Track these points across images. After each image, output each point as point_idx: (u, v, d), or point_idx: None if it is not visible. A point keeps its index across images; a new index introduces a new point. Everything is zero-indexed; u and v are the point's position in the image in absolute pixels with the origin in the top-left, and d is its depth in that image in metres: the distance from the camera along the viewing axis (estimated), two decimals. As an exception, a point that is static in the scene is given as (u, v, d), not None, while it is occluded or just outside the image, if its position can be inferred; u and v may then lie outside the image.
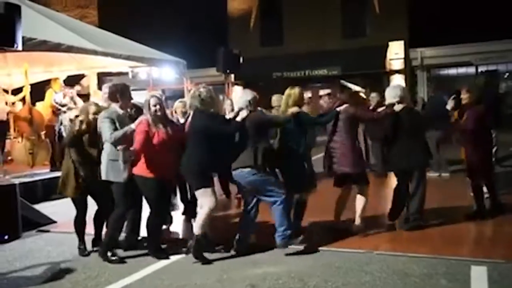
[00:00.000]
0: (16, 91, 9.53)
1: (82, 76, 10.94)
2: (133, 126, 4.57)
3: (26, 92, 8.70)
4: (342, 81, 18.29)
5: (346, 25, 18.41)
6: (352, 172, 5.22)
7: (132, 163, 4.58)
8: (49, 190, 7.48)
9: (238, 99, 5.03)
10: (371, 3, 17.59)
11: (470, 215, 5.73)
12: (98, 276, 4.46)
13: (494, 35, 15.45)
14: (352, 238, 5.23)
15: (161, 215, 4.90)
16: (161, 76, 10.76)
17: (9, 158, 9.32)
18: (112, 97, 4.75)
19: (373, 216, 5.86)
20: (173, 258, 4.82)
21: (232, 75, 13.25)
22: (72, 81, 10.62)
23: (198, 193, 4.64)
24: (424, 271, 4.24)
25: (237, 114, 4.70)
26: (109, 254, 4.77)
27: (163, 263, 4.70)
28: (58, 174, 5.63)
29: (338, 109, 5.19)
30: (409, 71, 18.00)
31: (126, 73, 10.99)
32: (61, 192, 4.98)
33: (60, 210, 6.41)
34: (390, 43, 17.59)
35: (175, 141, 4.72)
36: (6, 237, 5.64)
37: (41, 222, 6.27)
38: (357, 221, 5.36)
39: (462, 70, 18.20)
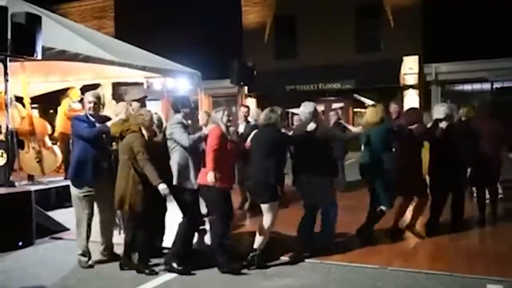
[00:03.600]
0: (33, 99, 9.63)
1: (97, 86, 11.06)
2: (206, 131, 4.85)
3: (26, 103, 8.75)
4: (356, 95, 18.29)
5: (360, 39, 18.42)
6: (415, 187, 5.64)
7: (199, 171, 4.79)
8: (63, 197, 7.54)
9: (300, 111, 5.34)
10: (386, 17, 17.59)
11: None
12: (112, 285, 4.47)
13: (509, 51, 15.34)
14: (365, 252, 5.19)
15: (226, 224, 4.84)
16: (175, 87, 10.83)
17: (17, 167, 9.36)
18: (175, 107, 4.96)
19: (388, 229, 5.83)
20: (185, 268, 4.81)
21: (246, 88, 13.29)
22: (87, 90, 10.73)
23: (266, 206, 4.78)
24: (438, 288, 4.19)
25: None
26: (174, 264, 4.73)
27: (173, 274, 4.69)
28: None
29: (412, 127, 5.64)
30: (423, 86, 17.91)
31: (141, 84, 11.09)
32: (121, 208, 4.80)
33: (73, 217, 6.43)
34: (405, 58, 17.54)
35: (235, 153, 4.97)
36: (20, 243, 5.68)
37: (55, 229, 6.31)
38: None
39: (477, 86, 18.05)
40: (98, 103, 5.10)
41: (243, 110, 7.48)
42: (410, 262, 4.96)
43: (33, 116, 8.78)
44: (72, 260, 5.14)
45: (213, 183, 4.57)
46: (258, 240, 4.83)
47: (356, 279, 4.46)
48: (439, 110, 5.84)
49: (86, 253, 5.00)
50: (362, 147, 5.74)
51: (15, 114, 8.60)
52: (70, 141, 8.63)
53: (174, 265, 4.71)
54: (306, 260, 4.97)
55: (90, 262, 4.97)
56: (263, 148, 4.81)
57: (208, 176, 4.57)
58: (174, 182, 4.75)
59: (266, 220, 4.79)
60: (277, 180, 4.83)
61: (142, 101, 5.52)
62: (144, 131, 4.78)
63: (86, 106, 5.02)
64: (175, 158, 4.79)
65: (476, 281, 4.30)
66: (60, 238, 6.13)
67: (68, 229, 6.36)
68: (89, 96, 5.04)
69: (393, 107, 7.52)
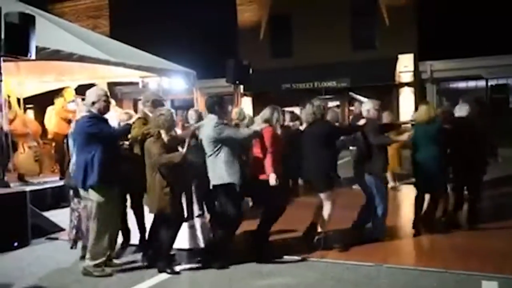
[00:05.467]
0: (27, 99, 9.62)
1: (92, 86, 11.01)
2: (258, 128, 5.02)
3: (14, 104, 8.72)
4: (351, 93, 18.32)
5: (355, 37, 18.44)
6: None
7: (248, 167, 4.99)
8: (59, 197, 7.53)
9: (362, 107, 5.72)
10: (381, 15, 17.62)
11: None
12: (109, 284, 4.47)
13: (504, 48, 15.40)
14: (361, 249, 5.20)
15: (277, 216, 5.11)
16: (171, 86, 10.83)
17: (12, 167, 9.35)
18: (211, 108, 4.94)
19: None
20: (181, 268, 4.81)
21: (241, 86, 13.28)
22: (83, 90, 10.71)
23: (324, 195, 5.22)
24: (433, 285, 4.20)
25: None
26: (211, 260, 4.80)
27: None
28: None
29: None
30: (418, 84, 17.95)
31: (137, 83, 11.08)
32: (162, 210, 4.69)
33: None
34: (400, 56, 17.59)
35: None
36: (15, 244, 5.66)
37: (50, 230, 6.29)
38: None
39: (472, 84, 18.12)
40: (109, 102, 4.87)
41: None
42: (406, 260, 4.98)
43: (26, 116, 8.76)
44: (68, 260, 5.13)
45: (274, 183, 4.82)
46: (322, 224, 5.29)
47: (353, 277, 4.46)
48: (462, 109, 6.14)
49: (104, 262, 4.72)
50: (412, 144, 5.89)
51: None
52: (66, 141, 8.65)
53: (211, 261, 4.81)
54: (303, 258, 4.98)
55: (109, 271, 4.74)
56: (317, 141, 5.16)
57: (270, 179, 4.84)
58: (221, 180, 4.76)
59: (326, 207, 5.22)
60: (331, 169, 5.24)
61: (159, 102, 5.40)
62: (163, 134, 4.68)
63: (97, 105, 4.64)
64: (221, 157, 4.77)
65: (472, 278, 4.31)
66: (56, 239, 6.12)
67: (63, 229, 6.32)
68: (102, 95, 4.71)
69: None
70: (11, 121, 8.40)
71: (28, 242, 5.82)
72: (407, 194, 7.90)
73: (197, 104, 10.78)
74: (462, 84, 18.36)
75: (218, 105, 4.92)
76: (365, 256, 4.99)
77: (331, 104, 17.62)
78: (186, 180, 4.77)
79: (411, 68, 17.78)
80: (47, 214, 6.67)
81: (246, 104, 18.61)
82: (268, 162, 4.90)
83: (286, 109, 10.80)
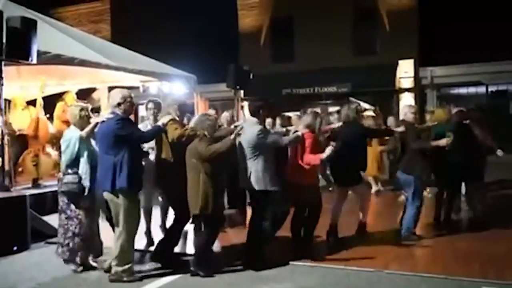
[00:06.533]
0: (29, 103, 9.62)
1: (93, 90, 11.04)
2: (299, 133, 5.18)
3: (39, 105, 8.80)
4: (352, 99, 18.30)
5: (356, 43, 18.45)
6: None
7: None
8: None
9: (401, 111, 6.23)
10: (382, 21, 17.66)
11: None
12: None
13: (505, 55, 15.41)
14: (361, 255, 5.19)
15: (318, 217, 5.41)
16: (171, 90, 10.83)
17: (20, 169, 9.38)
18: (255, 112, 5.12)
19: (383, 231, 5.84)
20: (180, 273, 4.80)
21: (242, 91, 13.28)
22: (83, 94, 10.73)
23: (359, 188, 5.73)
24: (434, 291, 4.19)
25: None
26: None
27: (169, 278, 4.68)
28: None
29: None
30: (419, 89, 17.96)
31: (137, 88, 11.07)
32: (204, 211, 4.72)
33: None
34: (400, 62, 17.60)
35: None
36: (15, 248, 5.65)
37: (50, 234, 6.26)
38: None
39: (472, 90, 18.13)
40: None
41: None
42: (406, 265, 4.96)
43: (40, 119, 8.78)
44: (67, 265, 5.11)
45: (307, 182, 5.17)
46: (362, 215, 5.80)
47: (353, 283, 4.45)
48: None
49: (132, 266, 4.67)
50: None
51: (27, 116, 8.60)
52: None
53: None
54: (303, 263, 4.97)
55: (139, 275, 4.70)
56: (351, 141, 5.42)
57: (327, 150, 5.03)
58: (261, 186, 4.84)
59: (365, 198, 5.81)
60: (364, 166, 5.72)
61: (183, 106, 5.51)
62: (207, 135, 4.81)
63: (123, 106, 4.59)
64: (260, 163, 4.87)
65: (472, 284, 4.30)
66: (55, 243, 6.08)
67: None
68: (127, 97, 4.64)
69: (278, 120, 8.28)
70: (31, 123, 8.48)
71: (28, 246, 5.81)
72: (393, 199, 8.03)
73: (197, 109, 10.78)
74: (462, 90, 18.36)
75: (263, 110, 5.11)
76: (366, 261, 4.97)
77: (331, 109, 17.60)
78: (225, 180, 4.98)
79: (412, 73, 17.79)
80: (46, 218, 6.65)
81: (246, 109, 18.60)
82: (311, 159, 5.13)
83: (286, 114, 10.80)
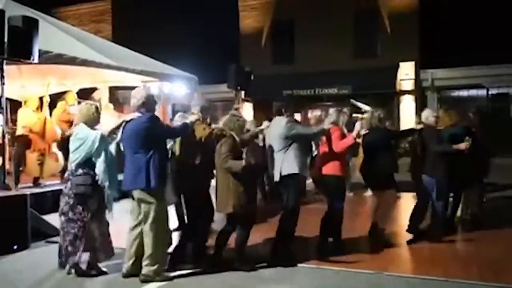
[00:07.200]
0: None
1: (94, 90, 11.05)
2: (326, 127, 5.31)
3: (45, 105, 8.82)
4: (352, 101, 18.33)
5: (357, 45, 18.49)
6: None
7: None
8: (59, 201, 7.49)
9: (423, 114, 6.15)
10: (383, 23, 17.69)
11: None
12: (106, 289, 4.45)
13: (505, 58, 15.43)
14: (360, 257, 5.19)
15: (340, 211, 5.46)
16: (172, 91, 10.84)
17: (20, 168, 9.39)
18: (279, 111, 5.31)
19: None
20: (179, 273, 4.80)
21: (243, 92, 13.29)
22: (84, 94, 10.73)
23: (387, 192, 5.74)
24: (434, 293, 4.19)
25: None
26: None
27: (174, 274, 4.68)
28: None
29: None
30: (419, 92, 17.99)
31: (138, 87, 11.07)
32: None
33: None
34: (401, 64, 17.63)
35: None
36: (15, 247, 5.65)
37: (50, 233, 6.27)
38: None
39: (473, 92, 18.15)
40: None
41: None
42: (406, 268, 4.97)
43: (47, 119, 8.79)
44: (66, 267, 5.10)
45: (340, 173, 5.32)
46: (385, 220, 5.85)
47: (352, 284, 4.45)
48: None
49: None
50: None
51: (34, 116, 8.61)
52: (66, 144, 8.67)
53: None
54: (303, 265, 4.97)
55: (171, 275, 4.68)
56: (378, 144, 5.62)
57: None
58: (288, 171, 5.03)
59: (388, 203, 5.81)
60: (395, 169, 5.79)
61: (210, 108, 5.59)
62: (235, 135, 4.87)
63: (147, 105, 4.61)
64: (290, 153, 5.08)
65: (471, 286, 4.30)
66: (56, 242, 6.05)
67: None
68: (150, 95, 4.73)
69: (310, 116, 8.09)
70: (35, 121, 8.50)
71: (28, 245, 5.81)
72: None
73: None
74: (463, 93, 18.39)
75: (285, 107, 5.32)
76: (366, 263, 4.98)
77: (331, 111, 17.59)
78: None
79: (412, 76, 17.82)
80: (46, 217, 6.66)
81: (247, 110, 18.63)
82: (336, 162, 5.30)
83: (266, 122, 10.82)
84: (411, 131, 6.51)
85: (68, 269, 4.77)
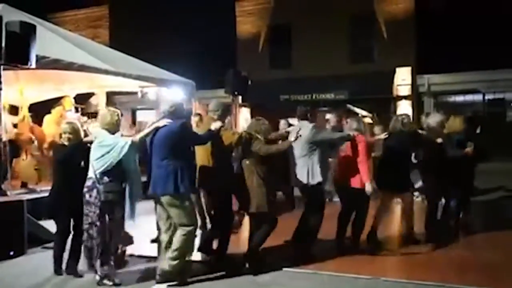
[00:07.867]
0: (31, 106, 9.62)
1: (91, 95, 11.05)
2: (351, 133, 5.41)
3: (25, 111, 8.79)
4: (349, 106, 18.37)
5: (354, 50, 18.53)
6: None
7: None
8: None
9: (429, 120, 6.37)
10: (379, 29, 17.75)
11: None
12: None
13: (502, 63, 15.50)
14: (358, 262, 5.20)
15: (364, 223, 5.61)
16: (169, 96, 10.85)
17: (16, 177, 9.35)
18: (303, 116, 5.50)
19: (380, 238, 5.84)
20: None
21: (240, 97, 13.32)
22: (81, 99, 10.74)
23: (406, 195, 5.91)
24: (431, 299, 4.19)
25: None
26: None
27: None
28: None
29: None
30: (416, 97, 18.03)
31: (135, 93, 11.10)
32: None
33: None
34: (398, 69, 17.67)
35: None
36: (11, 253, 5.64)
37: (46, 239, 6.24)
38: None
39: (469, 97, 18.21)
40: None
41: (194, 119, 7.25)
42: (403, 273, 4.97)
43: (33, 125, 8.78)
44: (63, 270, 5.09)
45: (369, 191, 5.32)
46: (404, 224, 6.05)
47: (349, 290, 4.46)
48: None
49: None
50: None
51: (7, 121, 8.58)
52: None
53: None
54: (300, 269, 4.97)
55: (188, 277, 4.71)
56: (400, 149, 5.68)
57: (367, 187, 5.28)
58: (315, 180, 5.16)
59: (409, 206, 5.93)
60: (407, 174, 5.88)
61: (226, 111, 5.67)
62: (261, 138, 5.04)
63: (176, 112, 4.74)
64: (315, 159, 5.22)
65: (468, 292, 4.31)
66: (52, 248, 6.07)
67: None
68: (178, 103, 4.98)
69: (329, 116, 8.34)
70: (16, 125, 8.45)
71: (24, 251, 5.79)
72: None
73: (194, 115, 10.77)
74: (459, 98, 18.44)
75: (310, 112, 5.48)
76: (363, 268, 4.98)
77: (328, 116, 17.62)
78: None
79: (409, 81, 17.86)
80: (43, 223, 6.64)
81: (244, 114, 18.65)
82: (364, 170, 5.32)
83: (284, 120, 10.87)
84: (434, 143, 6.42)
85: (98, 280, 4.63)
